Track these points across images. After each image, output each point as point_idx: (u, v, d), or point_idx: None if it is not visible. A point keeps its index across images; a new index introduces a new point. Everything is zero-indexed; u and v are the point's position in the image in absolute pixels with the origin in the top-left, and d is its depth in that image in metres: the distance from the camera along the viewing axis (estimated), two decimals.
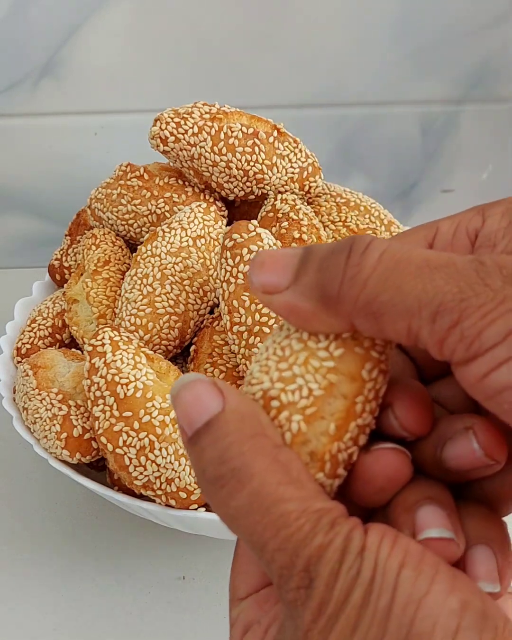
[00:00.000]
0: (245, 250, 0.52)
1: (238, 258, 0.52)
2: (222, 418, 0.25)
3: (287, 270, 0.26)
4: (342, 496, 0.27)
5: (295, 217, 0.60)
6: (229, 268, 0.52)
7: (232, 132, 0.61)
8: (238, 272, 0.52)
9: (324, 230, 0.64)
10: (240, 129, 0.61)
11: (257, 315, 0.51)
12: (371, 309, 0.25)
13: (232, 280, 0.52)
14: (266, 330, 0.51)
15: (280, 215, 0.60)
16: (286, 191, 0.64)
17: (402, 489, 0.27)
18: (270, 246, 0.53)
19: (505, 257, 0.24)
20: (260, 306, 0.51)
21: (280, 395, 0.26)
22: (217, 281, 0.55)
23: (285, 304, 0.26)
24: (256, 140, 0.62)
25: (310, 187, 0.65)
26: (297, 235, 0.58)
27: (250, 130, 0.62)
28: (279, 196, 0.63)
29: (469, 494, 0.28)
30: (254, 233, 0.53)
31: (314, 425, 0.25)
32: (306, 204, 0.65)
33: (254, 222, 0.54)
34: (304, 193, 0.65)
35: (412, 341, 0.25)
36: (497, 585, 0.25)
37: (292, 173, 0.64)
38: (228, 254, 0.53)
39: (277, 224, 0.59)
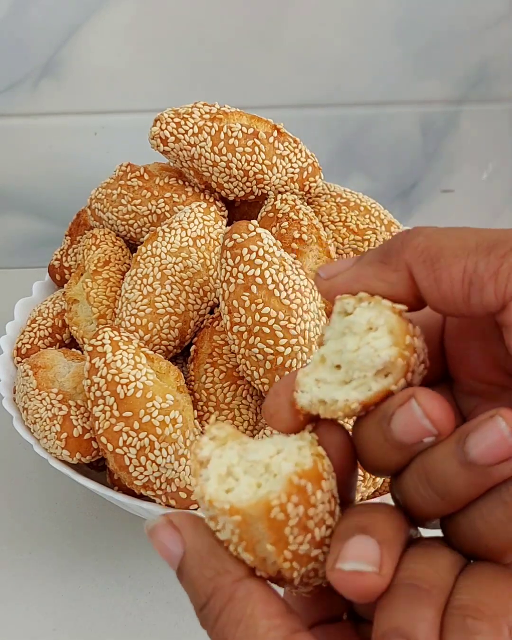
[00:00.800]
0: (245, 250, 0.52)
1: (238, 258, 0.52)
2: (185, 563, 0.28)
3: (352, 260, 0.30)
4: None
5: (295, 217, 0.60)
6: (229, 268, 0.52)
7: (232, 132, 0.61)
8: (238, 272, 0.52)
9: (324, 230, 0.64)
10: (241, 129, 0.61)
11: (257, 315, 0.51)
12: (430, 253, 0.27)
13: (232, 280, 0.52)
14: (266, 330, 0.51)
15: (280, 215, 0.60)
16: (286, 191, 0.64)
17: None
18: (270, 246, 0.53)
19: None
20: (260, 306, 0.51)
21: (216, 533, 0.28)
22: (217, 281, 0.55)
23: (347, 278, 0.29)
24: (256, 140, 0.62)
25: (310, 187, 0.65)
26: (297, 235, 0.58)
27: (250, 130, 0.62)
28: (279, 196, 0.63)
29: (477, 549, 0.28)
30: (254, 233, 0.53)
31: (256, 550, 0.27)
32: (305, 204, 0.65)
33: (254, 222, 0.54)
34: (304, 193, 0.65)
35: (465, 288, 0.26)
36: None
37: (292, 173, 0.64)
38: (228, 254, 0.53)
39: (277, 224, 0.59)
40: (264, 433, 0.52)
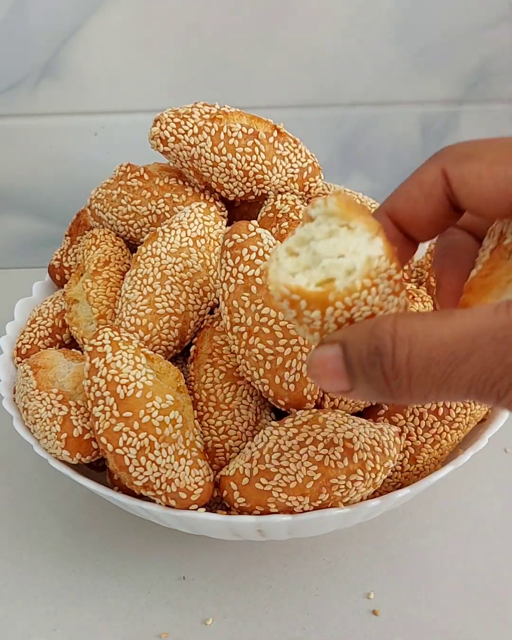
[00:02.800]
0: (245, 251, 0.52)
1: (238, 258, 0.52)
2: (348, 351, 0.35)
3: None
4: None
5: (295, 218, 0.60)
6: (229, 268, 0.52)
7: (232, 132, 0.61)
8: (238, 272, 0.52)
9: None
10: (240, 129, 0.61)
11: (257, 316, 0.51)
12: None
13: (232, 280, 0.52)
14: (266, 330, 0.51)
15: (280, 215, 0.60)
16: (286, 191, 0.64)
17: None
18: (270, 246, 0.53)
19: None
20: (260, 306, 0.51)
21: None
22: (217, 281, 0.55)
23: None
24: (256, 140, 0.62)
25: (310, 187, 0.65)
26: None
27: (250, 131, 0.62)
28: (279, 196, 0.63)
29: None
30: (254, 233, 0.53)
31: None
32: (306, 204, 0.65)
33: (254, 222, 0.54)
34: (304, 193, 0.65)
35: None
36: None
37: (292, 173, 0.64)
38: (228, 254, 0.53)
39: (277, 224, 0.60)
40: (264, 433, 0.53)
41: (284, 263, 0.37)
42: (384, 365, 0.33)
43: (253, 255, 0.52)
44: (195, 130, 0.61)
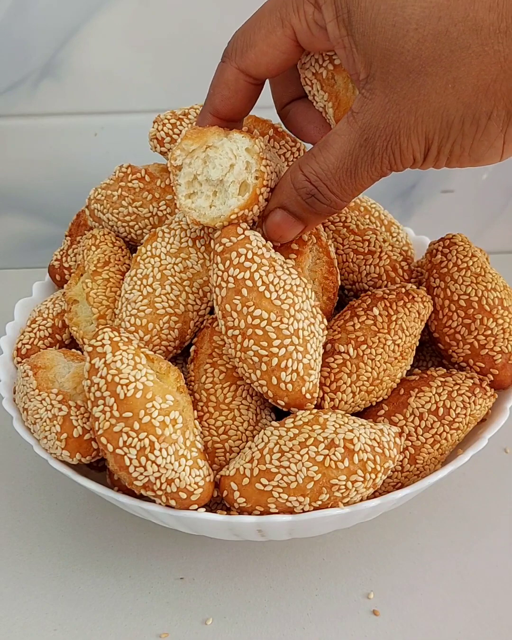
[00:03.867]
0: (234, 254, 0.52)
1: (228, 262, 0.52)
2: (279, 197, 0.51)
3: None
4: None
5: None
6: (219, 272, 0.52)
7: None
8: (228, 276, 0.52)
9: (324, 230, 0.64)
10: None
11: (249, 318, 0.51)
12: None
13: (224, 284, 0.52)
14: (259, 332, 0.51)
15: None
16: None
17: None
18: (259, 248, 0.53)
19: None
20: (252, 309, 0.51)
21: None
22: (211, 286, 0.55)
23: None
24: None
25: None
26: None
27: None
28: None
29: None
30: (242, 236, 0.53)
31: None
32: None
33: (244, 225, 0.53)
34: None
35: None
36: None
37: None
38: (218, 258, 0.53)
39: None
40: (264, 433, 0.53)
41: (199, 206, 0.51)
42: (319, 199, 0.48)
43: (242, 258, 0.52)
44: None
